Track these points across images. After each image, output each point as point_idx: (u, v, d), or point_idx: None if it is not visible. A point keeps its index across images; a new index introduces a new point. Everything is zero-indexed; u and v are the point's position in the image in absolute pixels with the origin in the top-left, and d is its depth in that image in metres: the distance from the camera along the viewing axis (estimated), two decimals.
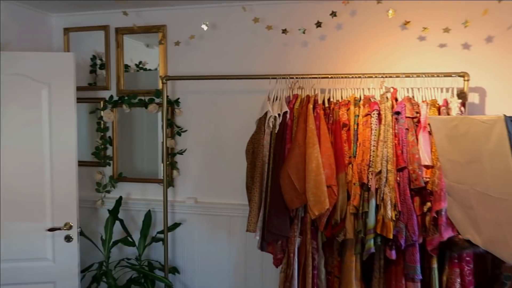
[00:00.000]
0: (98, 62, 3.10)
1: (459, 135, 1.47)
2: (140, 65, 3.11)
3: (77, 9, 2.92)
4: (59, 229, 2.38)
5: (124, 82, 2.99)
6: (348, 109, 2.26)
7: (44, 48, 2.97)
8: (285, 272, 2.36)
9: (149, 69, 3.08)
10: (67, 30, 3.05)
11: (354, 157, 2.21)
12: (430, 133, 2.12)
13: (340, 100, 2.33)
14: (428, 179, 2.10)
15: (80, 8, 2.88)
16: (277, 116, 2.31)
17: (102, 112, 2.98)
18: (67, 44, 3.06)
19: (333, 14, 2.36)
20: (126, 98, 2.93)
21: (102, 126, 3.00)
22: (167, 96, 2.73)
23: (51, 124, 2.40)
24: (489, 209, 1.40)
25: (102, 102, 2.99)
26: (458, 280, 2.17)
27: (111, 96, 2.98)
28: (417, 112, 2.16)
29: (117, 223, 2.77)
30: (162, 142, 2.76)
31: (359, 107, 2.24)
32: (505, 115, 1.19)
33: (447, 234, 2.06)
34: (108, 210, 2.77)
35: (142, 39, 3.06)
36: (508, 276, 2.12)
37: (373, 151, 2.13)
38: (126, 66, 3.02)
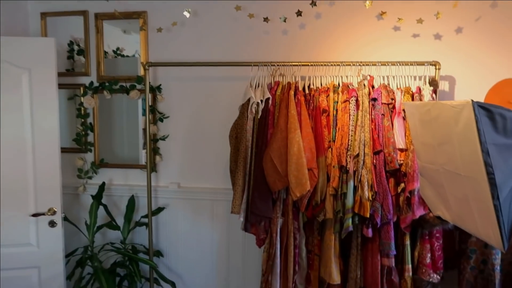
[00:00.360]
0: (76, 47, 3.06)
1: (431, 119, 1.59)
2: (118, 51, 3.10)
3: None
4: (43, 214, 2.39)
5: (104, 68, 2.98)
6: (327, 96, 2.35)
7: (20, 33, 2.91)
8: (267, 252, 2.46)
9: (127, 56, 3.07)
10: (44, 15, 2.99)
11: (334, 141, 2.32)
12: (404, 118, 2.25)
13: (320, 87, 2.42)
14: (402, 162, 2.24)
15: None
16: (259, 102, 2.38)
17: (82, 98, 2.96)
18: (44, 29, 3.01)
19: (313, 3, 2.44)
20: (107, 84, 2.92)
21: (82, 112, 2.99)
22: (149, 83, 2.75)
23: (32, 109, 2.39)
24: (458, 187, 1.53)
25: (82, 88, 2.97)
26: (429, 255, 2.34)
27: (91, 82, 2.97)
28: (392, 99, 2.28)
29: (100, 209, 2.79)
30: (144, 129, 2.78)
31: (338, 93, 2.35)
32: (472, 100, 1.31)
33: (419, 212, 2.21)
34: (92, 195, 2.79)
35: (119, 25, 3.03)
36: (473, 250, 2.30)
37: (351, 135, 2.25)
38: (105, 53, 3.00)
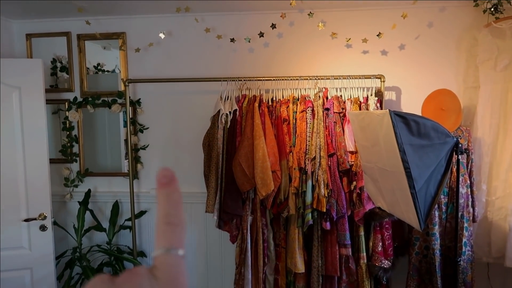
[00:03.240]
0: (59, 65, 3.31)
1: (365, 125, 1.93)
2: (99, 67, 3.36)
3: (38, 16, 3.12)
4: (35, 219, 2.63)
5: (87, 84, 3.24)
6: (287, 107, 2.68)
7: (6, 53, 3.15)
8: (240, 247, 2.76)
9: (107, 71, 3.32)
10: (29, 36, 3.24)
11: (294, 146, 2.64)
12: None
13: (281, 99, 2.75)
14: (352, 163, 2.58)
15: (41, 15, 3.08)
16: (228, 113, 2.69)
17: (67, 112, 3.21)
18: (29, 49, 3.25)
19: (273, 26, 2.78)
20: (90, 99, 3.18)
21: (67, 125, 3.23)
22: (129, 97, 3.03)
23: (22, 124, 2.63)
24: (387, 180, 1.87)
25: (67, 103, 3.23)
26: (380, 244, 2.68)
27: (75, 98, 3.22)
28: (343, 108, 2.63)
29: (86, 215, 3.03)
30: (125, 140, 3.05)
31: (297, 104, 2.68)
32: (389, 110, 1.65)
33: (368, 206, 2.55)
34: (78, 201, 3.03)
35: (99, 42, 3.29)
36: (417, 238, 2.65)
37: (309, 141, 2.58)
38: (87, 69, 3.26)
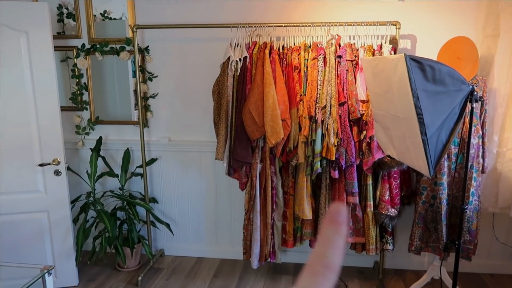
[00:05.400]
0: (65, 11, 3.24)
1: (378, 72, 1.88)
2: (105, 14, 3.28)
3: None
4: (49, 164, 2.69)
5: (94, 31, 3.19)
6: (299, 54, 2.62)
7: None
8: (249, 193, 2.82)
9: (114, 18, 3.25)
10: None
11: (304, 95, 2.61)
12: None
13: (292, 46, 2.68)
14: (363, 112, 2.56)
15: None
16: (238, 60, 2.65)
17: (75, 59, 3.18)
18: None
19: None
20: (98, 46, 3.14)
21: (77, 73, 3.22)
22: (137, 44, 2.98)
23: (32, 70, 2.62)
24: (398, 127, 1.86)
25: (75, 50, 3.19)
26: (388, 193, 2.71)
27: (83, 45, 3.18)
28: (356, 56, 2.56)
29: (98, 161, 3.09)
30: (135, 90, 3.04)
31: (309, 52, 2.62)
32: (405, 54, 1.60)
33: (377, 155, 2.56)
34: (91, 148, 3.08)
35: None
36: (424, 187, 2.67)
37: (319, 89, 2.55)
38: (93, 16, 3.19)
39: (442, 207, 2.59)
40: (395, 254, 3.08)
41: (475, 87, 2.51)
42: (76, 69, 3.22)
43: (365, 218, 2.76)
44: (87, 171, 3.06)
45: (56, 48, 3.16)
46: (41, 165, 2.67)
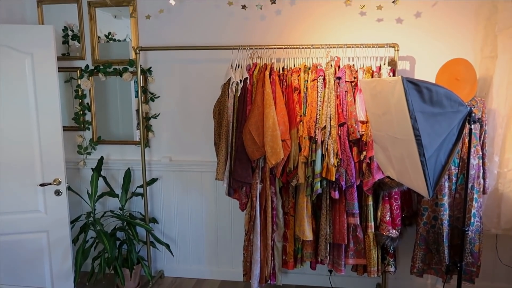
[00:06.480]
0: (70, 33, 3.31)
1: (377, 93, 1.90)
2: (110, 36, 3.35)
3: None
4: (49, 184, 2.69)
5: (98, 52, 3.25)
6: (299, 75, 2.65)
7: (18, 20, 3.15)
8: (249, 214, 2.80)
9: (118, 40, 3.32)
10: (40, 2, 3.23)
11: (304, 115, 2.63)
12: None
13: (292, 68, 2.72)
14: (363, 132, 2.56)
15: None
16: (239, 81, 2.68)
17: (79, 80, 3.23)
18: (41, 16, 3.25)
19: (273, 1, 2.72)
20: (101, 67, 3.19)
21: (80, 93, 3.26)
22: (140, 65, 3.03)
23: (35, 91, 2.65)
24: (397, 148, 1.87)
25: (78, 71, 3.24)
26: (388, 213, 2.69)
27: (87, 66, 3.23)
28: (355, 77, 2.59)
29: (99, 181, 3.10)
30: (137, 110, 3.07)
31: (308, 73, 2.65)
32: (402, 76, 1.62)
33: (377, 176, 2.55)
34: (92, 168, 3.10)
35: (110, 11, 3.27)
36: (425, 208, 2.66)
37: (319, 110, 2.56)
38: (98, 37, 3.25)
39: (443, 228, 2.57)
40: (397, 276, 3.03)
41: (473, 108, 2.53)
42: (80, 90, 3.26)
43: (366, 239, 2.73)
44: (87, 191, 3.07)
45: (60, 69, 3.21)
46: (42, 185, 2.68)
